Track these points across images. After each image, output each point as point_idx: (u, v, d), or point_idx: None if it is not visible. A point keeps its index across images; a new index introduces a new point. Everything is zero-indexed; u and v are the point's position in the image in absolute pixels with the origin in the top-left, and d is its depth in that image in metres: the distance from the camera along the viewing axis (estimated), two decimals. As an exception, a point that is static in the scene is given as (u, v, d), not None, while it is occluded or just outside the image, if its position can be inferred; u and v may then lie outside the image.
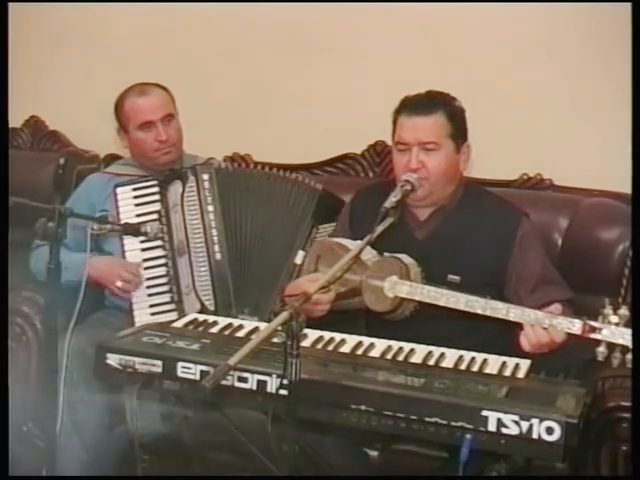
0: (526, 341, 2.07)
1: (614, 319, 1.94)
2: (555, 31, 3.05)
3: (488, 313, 2.11)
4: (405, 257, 2.31)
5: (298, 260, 2.66)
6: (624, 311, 1.94)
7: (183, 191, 2.71)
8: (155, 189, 2.74)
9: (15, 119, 3.71)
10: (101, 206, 2.83)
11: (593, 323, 1.97)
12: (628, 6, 2.28)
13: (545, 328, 2.03)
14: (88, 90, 3.70)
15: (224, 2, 3.44)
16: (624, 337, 1.91)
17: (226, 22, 3.48)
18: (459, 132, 2.45)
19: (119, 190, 2.76)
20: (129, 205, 2.73)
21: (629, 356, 1.90)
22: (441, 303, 2.17)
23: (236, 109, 3.46)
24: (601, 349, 1.95)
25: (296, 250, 2.68)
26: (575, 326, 2.01)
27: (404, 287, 2.22)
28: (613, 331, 1.93)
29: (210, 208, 2.69)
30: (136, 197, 2.75)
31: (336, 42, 3.34)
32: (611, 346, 1.94)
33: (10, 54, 3.17)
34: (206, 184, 2.70)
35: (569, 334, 2.04)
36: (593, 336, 1.96)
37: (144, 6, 3.57)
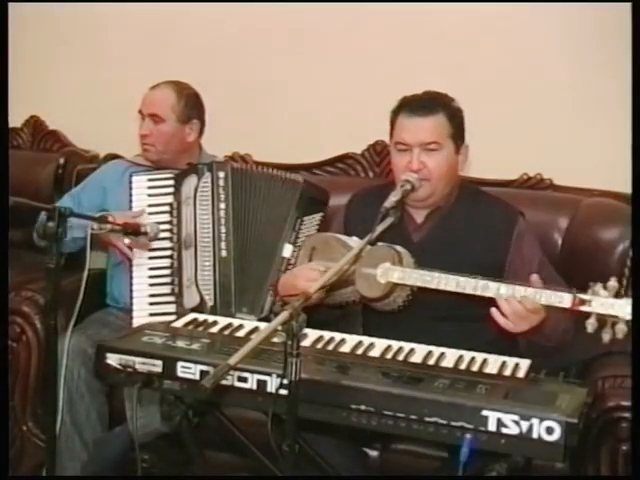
0: (498, 313, 2.05)
1: (604, 293, 1.92)
2: (555, 31, 3.06)
3: (479, 293, 2.08)
4: (399, 247, 2.30)
5: (286, 254, 2.67)
6: (613, 282, 1.92)
7: (197, 185, 2.73)
8: (170, 182, 2.78)
9: (15, 119, 3.71)
10: (113, 191, 2.89)
11: (583, 295, 1.94)
12: (628, 6, 2.29)
13: (519, 301, 2.02)
14: (88, 90, 3.70)
15: (224, 2, 3.45)
16: (614, 307, 1.89)
17: (226, 22, 3.49)
18: (458, 133, 2.43)
19: (135, 179, 2.81)
20: (143, 194, 2.79)
21: (620, 326, 1.87)
22: (432, 286, 2.14)
23: (236, 109, 3.46)
24: (591, 320, 1.92)
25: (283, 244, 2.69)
26: (564, 299, 1.98)
27: (396, 272, 2.20)
28: (603, 302, 1.91)
29: (222, 205, 2.70)
30: (150, 187, 2.80)
31: (336, 42, 3.35)
32: (602, 321, 1.91)
33: (10, 54, 3.18)
34: (221, 182, 2.72)
35: (551, 308, 2.02)
36: (583, 309, 1.94)
37: (144, 6, 3.57)
